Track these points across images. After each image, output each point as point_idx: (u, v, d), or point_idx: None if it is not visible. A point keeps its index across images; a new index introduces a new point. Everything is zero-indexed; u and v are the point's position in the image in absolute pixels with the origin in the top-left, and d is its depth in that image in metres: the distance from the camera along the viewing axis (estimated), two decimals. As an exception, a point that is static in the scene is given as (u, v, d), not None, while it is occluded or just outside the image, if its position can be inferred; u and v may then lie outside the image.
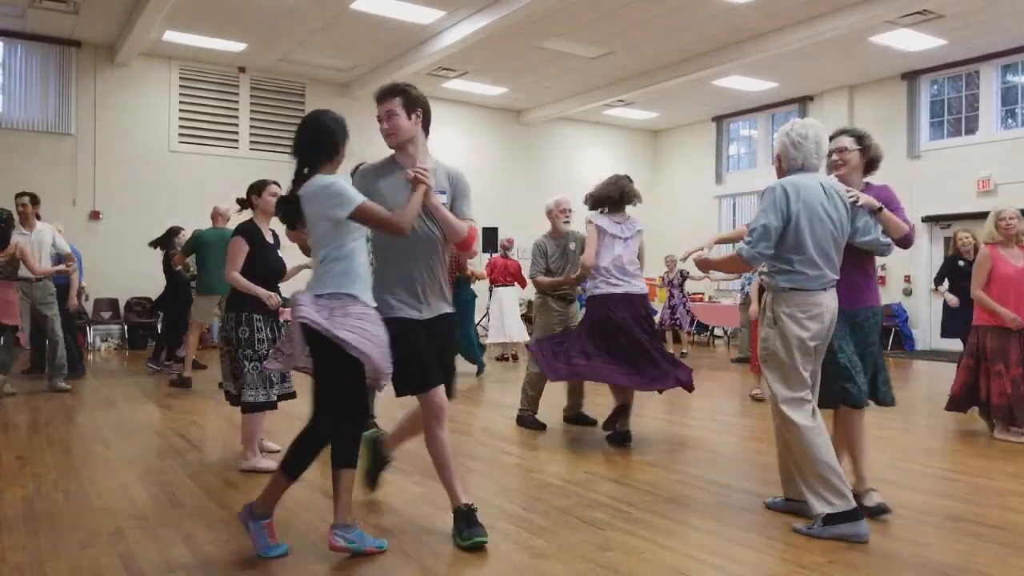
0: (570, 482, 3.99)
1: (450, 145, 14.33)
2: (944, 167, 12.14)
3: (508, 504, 3.59)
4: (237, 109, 12.35)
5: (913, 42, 10.96)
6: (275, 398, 4.24)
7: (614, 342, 4.79)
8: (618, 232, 5.12)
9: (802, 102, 13.96)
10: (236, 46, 11.30)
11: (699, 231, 14.86)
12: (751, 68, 12.09)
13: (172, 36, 10.89)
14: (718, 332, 14.29)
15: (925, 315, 12.45)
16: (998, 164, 11.50)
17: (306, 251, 3.10)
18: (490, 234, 13.92)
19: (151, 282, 11.56)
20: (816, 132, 3.27)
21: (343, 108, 14.23)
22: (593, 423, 5.56)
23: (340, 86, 13.15)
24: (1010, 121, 11.83)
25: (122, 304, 11.52)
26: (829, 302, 3.23)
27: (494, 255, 11.13)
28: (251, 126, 12.47)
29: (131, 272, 11.46)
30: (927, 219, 12.24)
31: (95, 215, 11.43)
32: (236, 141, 12.34)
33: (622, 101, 14.16)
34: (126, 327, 11.42)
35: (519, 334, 10.07)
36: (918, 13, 9.74)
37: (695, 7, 9.69)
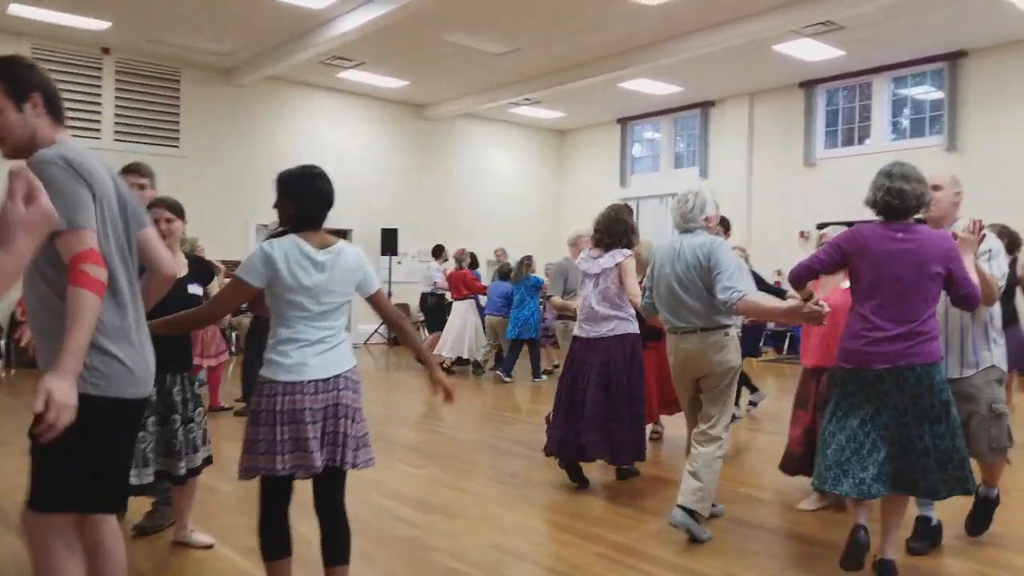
0: (480, 566, 3.43)
1: (345, 140, 13.44)
2: (838, 176, 12.32)
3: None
4: (100, 95, 11.02)
5: (813, 52, 10.99)
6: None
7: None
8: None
9: (704, 107, 13.91)
10: (99, 24, 10.02)
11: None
12: (657, 71, 11.87)
13: (19, 9, 9.50)
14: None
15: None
16: (890, 175, 11.73)
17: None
18: (389, 236, 13.19)
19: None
20: (680, 202, 3.78)
21: (225, 96, 13.12)
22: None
23: (221, 72, 12.01)
24: (895, 130, 12.14)
25: (-39, 314, 10.07)
26: (679, 344, 3.77)
27: (452, 269, 10.71)
28: (116, 114, 11.15)
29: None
30: (821, 227, 12.36)
31: (-74, 212, 9.91)
32: (98, 130, 11.01)
33: (528, 100, 13.68)
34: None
35: (469, 350, 10.00)
36: (821, 24, 9.73)
37: (603, 8, 9.30)
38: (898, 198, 3.00)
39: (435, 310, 11.03)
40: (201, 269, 3.71)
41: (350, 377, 2.62)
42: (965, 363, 3.38)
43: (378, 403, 7.82)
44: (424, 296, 11.10)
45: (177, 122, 11.66)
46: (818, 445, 3.18)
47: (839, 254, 3.10)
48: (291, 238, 2.57)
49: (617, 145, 15.49)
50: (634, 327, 4.58)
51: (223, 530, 3.80)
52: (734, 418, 6.84)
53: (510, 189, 15.74)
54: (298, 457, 2.51)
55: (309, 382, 2.51)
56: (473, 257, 11.49)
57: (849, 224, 11.79)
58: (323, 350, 2.56)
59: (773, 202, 13.08)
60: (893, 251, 2.98)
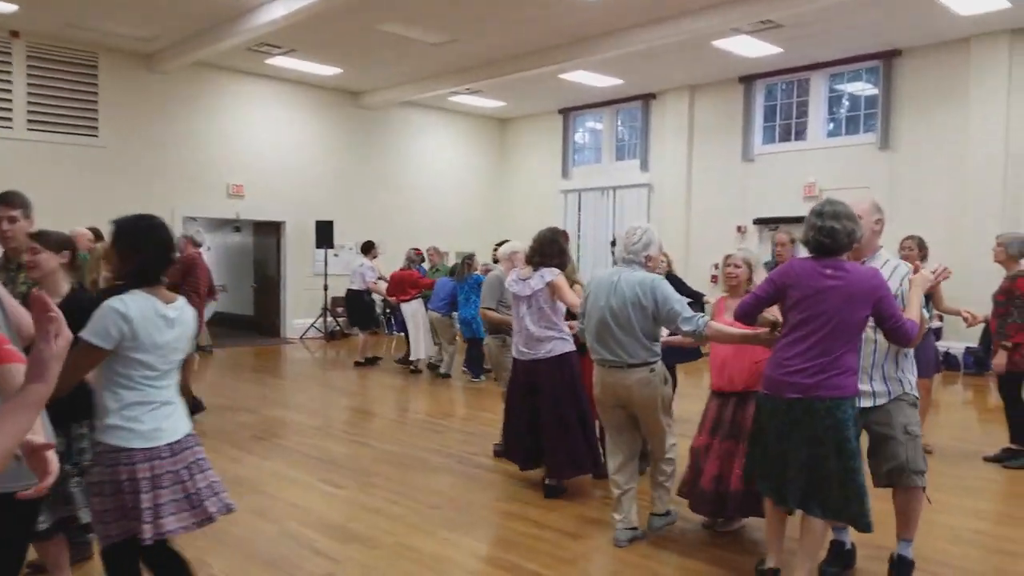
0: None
1: (277, 128, 13.00)
2: (775, 171, 12.46)
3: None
4: (10, 82, 10.34)
5: (752, 48, 11.03)
6: None
7: None
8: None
9: (645, 99, 13.89)
10: (6, 7, 9.40)
11: (546, 225, 14.49)
12: (597, 64, 11.77)
13: (-84, -12, 8.88)
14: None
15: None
16: (823, 170, 11.92)
17: None
18: (324, 228, 12.85)
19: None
20: (628, 233, 3.78)
21: (147, 83, 12.48)
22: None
23: (143, 57, 11.43)
24: (832, 126, 12.32)
25: None
26: (605, 377, 3.82)
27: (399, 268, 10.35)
28: (29, 102, 10.51)
29: None
30: (758, 222, 12.53)
31: None
32: (9, 120, 10.37)
33: (468, 89, 13.43)
34: None
35: (426, 349, 9.85)
36: (761, 22, 9.75)
37: (540, 1, 9.13)
38: (830, 237, 3.08)
39: (369, 308, 10.74)
40: (77, 309, 2.68)
41: (193, 434, 2.61)
42: (877, 394, 3.40)
43: (307, 410, 7.59)
44: (357, 293, 10.67)
45: (95, 110, 11.07)
46: (747, 461, 3.40)
47: (773, 288, 3.21)
48: (141, 294, 2.42)
49: (559, 135, 15.38)
50: (570, 345, 4.66)
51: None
52: None
53: (451, 178, 15.50)
54: (159, 525, 2.41)
55: (165, 446, 2.44)
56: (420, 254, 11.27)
57: (782, 220, 11.94)
58: (171, 411, 2.50)
59: (712, 196, 13.16)
60: (821, 288, 3.06)
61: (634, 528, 3.95)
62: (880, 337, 3.27)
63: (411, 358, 9.88)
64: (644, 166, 14.04)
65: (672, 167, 13.62)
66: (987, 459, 5.71)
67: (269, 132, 12.89)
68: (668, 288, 3.66)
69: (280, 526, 4.29)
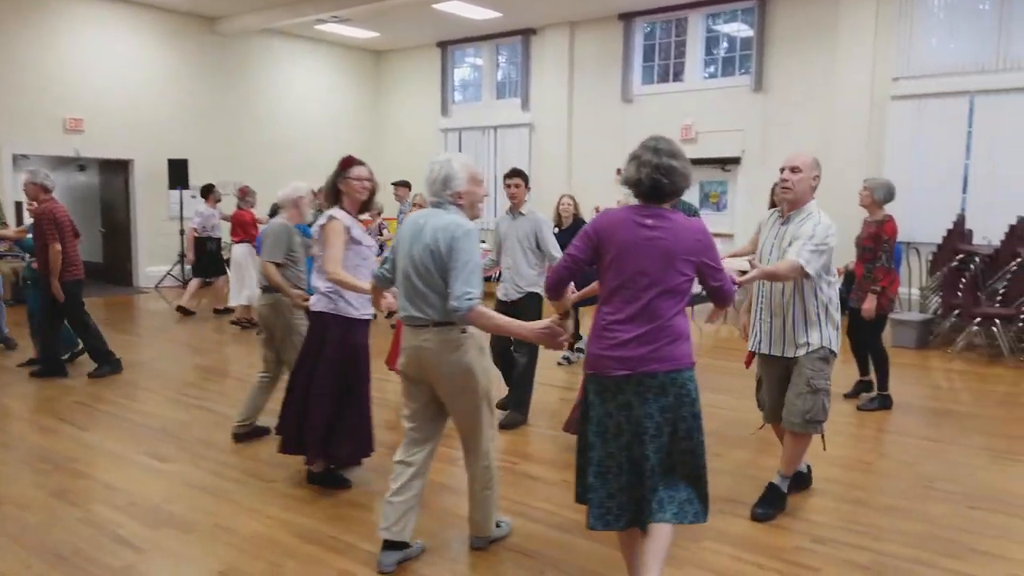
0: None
1: (120, 56, 11.65)
2: (653, 112, 12.32)
3: None
4: None
5: (631, -17, 10.71)
6: None
7: None
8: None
9: (525, 35, 13.36)
10: None
11: (424, 165, 13.90)
12: (473, -6, 11.14)
13: None
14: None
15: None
16: (700, 112, 11.86)
17: None
18: (178, 167, 11.76)
19: None
20: (434, 170, 3.07)
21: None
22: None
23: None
24: (712, 68, 12.25)
25: None
26: (411, 340, 3.07)
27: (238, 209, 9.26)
28: None
29: None
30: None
31: None
32: None
33: (336, 17, 12.45)
34: None
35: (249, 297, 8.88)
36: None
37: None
38: (668, 176, 2.66)
39: (212, 256, 9.85)
40: None
41: None
42: (798, 344, 3.58)
43: (149, 370, 6.87)
44: (203, 240, 9.78)
45: None
46: (578, 459, 2.80)
47: (588, 243, 2.74)
48: None
49: (437, 70, 14.65)
50: (337, 306, 3.93)
51: None
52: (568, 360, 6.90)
53: (321, 114, 14.51)
54: None
55: None
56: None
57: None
58: None
59: (592, 137, 12.91)
60: (638, 240, 2.63)
61: (403, 546, 3.21)
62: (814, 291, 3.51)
63: (229, 305, 9.13)
64: (525, 105, 13.59)
65: (552, 107, 13.24)
66: (847, 396, 5.86)
67: (110, 60, 11.54)
68: (466, 245, 2.92)
69: (83, 510, 3.74)
